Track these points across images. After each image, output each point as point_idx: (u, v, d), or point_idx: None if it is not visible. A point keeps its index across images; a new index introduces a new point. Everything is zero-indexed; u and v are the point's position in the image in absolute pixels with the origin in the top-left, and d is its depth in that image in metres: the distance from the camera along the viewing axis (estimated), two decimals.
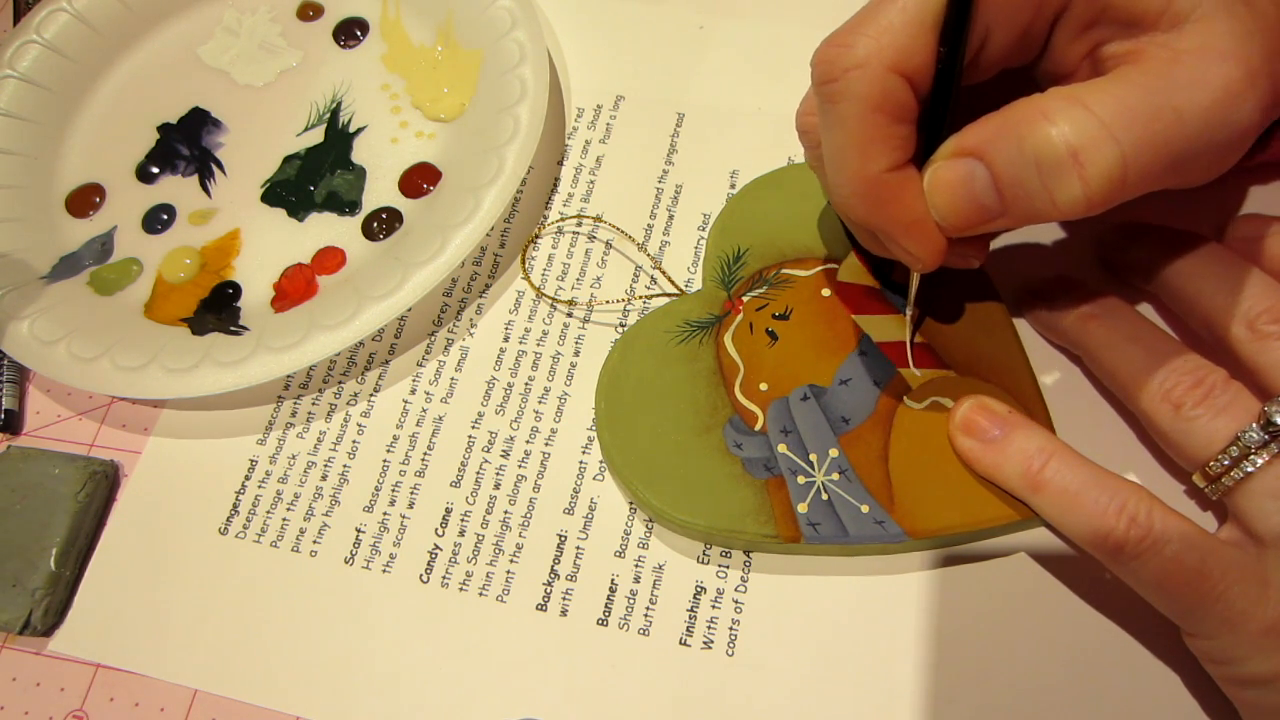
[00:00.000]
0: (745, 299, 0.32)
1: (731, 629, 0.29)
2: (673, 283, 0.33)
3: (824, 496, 0.28)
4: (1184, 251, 0.28)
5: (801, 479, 0.28)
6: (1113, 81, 0.23)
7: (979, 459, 0.27)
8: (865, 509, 0.28)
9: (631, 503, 0.31)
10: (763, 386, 0.30)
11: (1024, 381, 0.29)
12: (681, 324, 0.32)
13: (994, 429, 0.27)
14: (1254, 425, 0.24)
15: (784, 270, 0.32)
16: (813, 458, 0.29)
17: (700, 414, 0.30)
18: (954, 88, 0.24)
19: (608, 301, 0.34)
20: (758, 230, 0.33)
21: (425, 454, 0.33)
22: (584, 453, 0.32)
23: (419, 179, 0.37)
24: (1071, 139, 0.22)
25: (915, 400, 0.29)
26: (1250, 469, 0.24)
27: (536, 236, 0.36)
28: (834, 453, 0.29)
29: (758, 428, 0.29)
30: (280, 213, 0.37)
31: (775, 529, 0.28)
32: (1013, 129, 0.23)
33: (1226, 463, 0.25)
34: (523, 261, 0.35)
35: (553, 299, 0.34)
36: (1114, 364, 0.28)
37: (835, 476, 0.28)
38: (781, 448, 0.29)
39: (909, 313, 0.30)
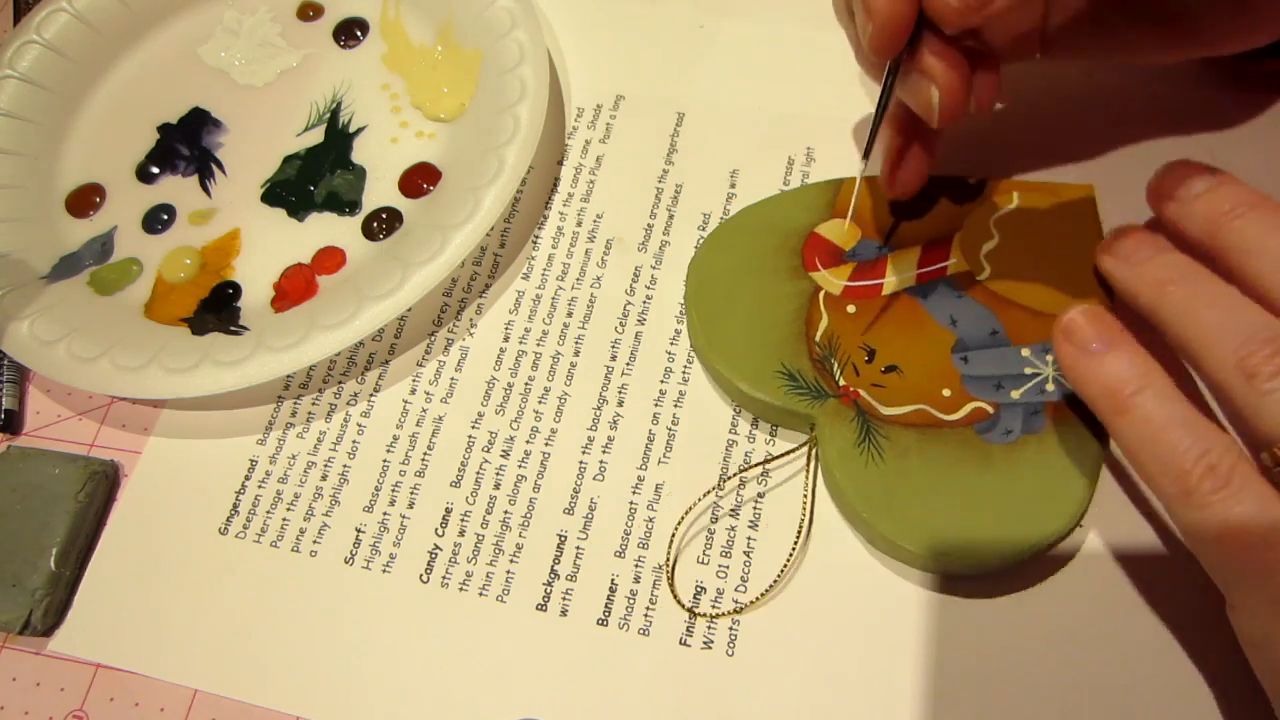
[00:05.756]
0: (840, 382, 0.30)
1: (731, 629, 0.29)
2: (785, 454, 0.30)
3: (1050, 386, 0.29)
4: (1172, 280, 0.26)
5: (1033, 382, 0.30)
6: None
7: (1073, 366, 0.26)
8: None
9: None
10: (946, 393, 0.30)
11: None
12: (858, 442, 0.29)
13: (1097, 341, 0.26)
14: None
15: (815, 339, 0.31)
16: (1028, 370, 0.30)
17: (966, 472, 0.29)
18: None
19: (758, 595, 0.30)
20: (759, 340, 0.31)
21: (425, 454, 0.33)
22: (584, 453, 0.32)
23: (419, 179, 0.37)
24: None
25: (981, 274, 0.31)
26: None
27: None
28: (1026, 352, 0.30)
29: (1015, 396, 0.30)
30: (280, 213, 0.37)
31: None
32: None
33: None
34: None
35: None
36: (1188, 332, 0.25)
37: (1049, 357, 0.30)
38: (1014, 393, 0.30)
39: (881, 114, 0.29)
